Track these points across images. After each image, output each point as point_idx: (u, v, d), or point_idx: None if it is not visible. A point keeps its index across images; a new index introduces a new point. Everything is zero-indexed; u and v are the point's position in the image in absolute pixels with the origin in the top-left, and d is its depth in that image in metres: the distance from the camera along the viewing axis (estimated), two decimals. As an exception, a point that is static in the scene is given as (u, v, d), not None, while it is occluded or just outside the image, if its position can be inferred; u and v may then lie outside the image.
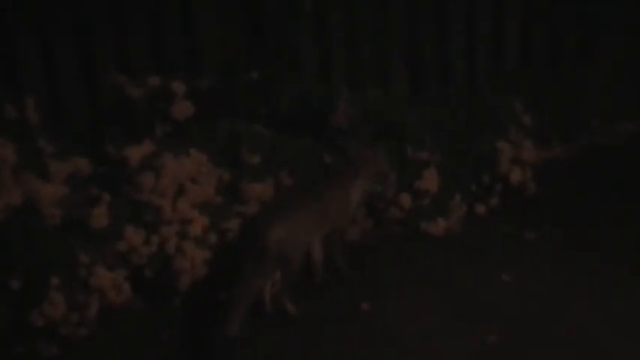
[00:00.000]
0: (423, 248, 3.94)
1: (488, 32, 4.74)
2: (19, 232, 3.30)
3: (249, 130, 3.85)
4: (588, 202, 4.27)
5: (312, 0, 4.32)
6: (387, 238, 3.99)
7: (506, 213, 4.16)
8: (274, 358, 3.29)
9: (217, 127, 3.82)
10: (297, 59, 4.33)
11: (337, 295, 3.62)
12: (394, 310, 3.52)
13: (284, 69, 4.20)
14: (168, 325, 3.45)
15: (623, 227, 4.02)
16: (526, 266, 3.77)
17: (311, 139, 3.94)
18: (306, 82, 4.24)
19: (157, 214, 3.51)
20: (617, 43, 4.96)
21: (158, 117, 3.71)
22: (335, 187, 3.63)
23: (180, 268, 3.50)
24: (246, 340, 3.26)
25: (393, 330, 3.40)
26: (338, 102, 3.98)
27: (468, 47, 4.71)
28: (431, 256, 3.88)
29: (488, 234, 4.04)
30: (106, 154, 3.60)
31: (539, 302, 3.52)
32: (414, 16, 4.56)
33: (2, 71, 3.77)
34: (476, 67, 4.74)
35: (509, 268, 3.74)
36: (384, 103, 4.24)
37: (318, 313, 3.51)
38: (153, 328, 3.45)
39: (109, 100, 3.85)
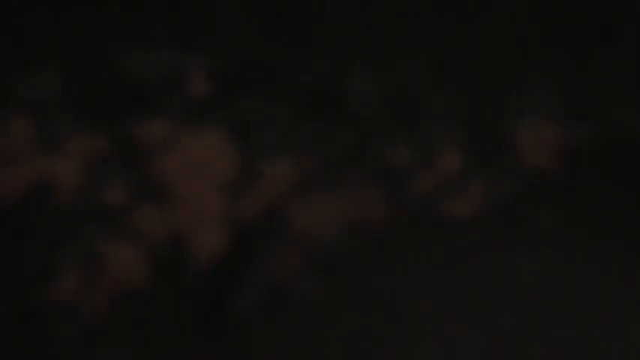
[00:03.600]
0: (441, 229, 3.90)
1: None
2: (34, 211, 3.30)
3: (266, 110, 3.82)
4: (611, 188, 4.21)
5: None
6: (405, 218, 3.95)
7: (526, 196, 4.12)
8: (286, 337, 3.28)
9: (234, 106, 3.80)
10: (313, 38, 4.28)
11: (351, 276, 3.60)
12: (409, 292, 3.51)
13: (301, 49, 4.15)
14: (184, 305, 3.44)
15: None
16: (544, 250, 3.73)
17: (328, 120, 3.91)
18: (324, 63, 4.19)
19: (173, 194, 3.49)
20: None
21: (174, 95, 3.69)
22: (361, 176, 3.60)
23: (197, 248, 3.48)
24: (260, 319, 3.25)
25: (407, 312, 3.39)
26: (356, 83, 3.94)
27: (490, 24, 4.65)
28: (448, 237, 3.85)
29: (507, 216, 3.99)
30: (122, 132, 3.59)
31: (555, 287, 3.50)
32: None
33: (16, 48, 3.74)
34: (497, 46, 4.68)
35: (527, 251, 3.71)
36: (403, 82, 4.19)
37: (331, 293, 3.50)
38: (169, 308, 3.44)
39: (124, 78, 3.82)
